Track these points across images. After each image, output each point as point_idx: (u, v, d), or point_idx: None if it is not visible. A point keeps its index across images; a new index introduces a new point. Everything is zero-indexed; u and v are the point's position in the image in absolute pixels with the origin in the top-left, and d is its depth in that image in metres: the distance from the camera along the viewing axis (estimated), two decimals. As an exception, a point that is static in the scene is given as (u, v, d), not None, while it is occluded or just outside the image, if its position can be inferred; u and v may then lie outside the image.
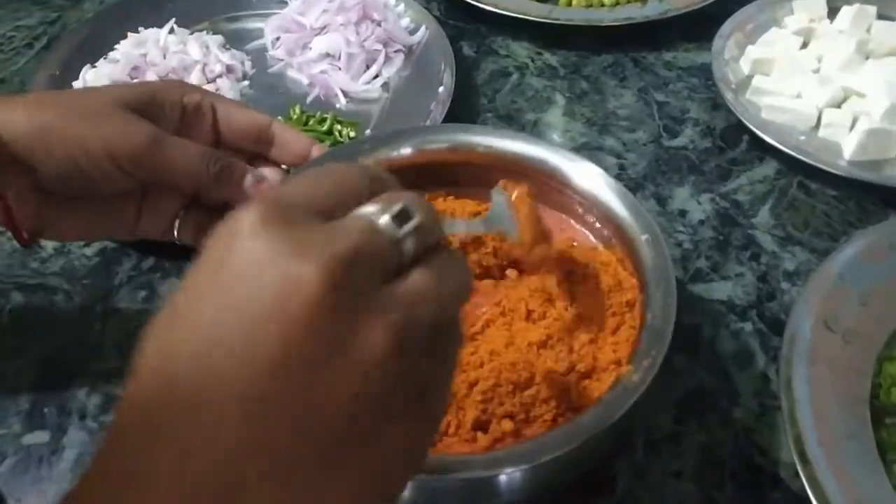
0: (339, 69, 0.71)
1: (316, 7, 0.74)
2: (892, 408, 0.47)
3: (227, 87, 0.69)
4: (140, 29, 0.72)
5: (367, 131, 0.66)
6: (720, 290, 0.56)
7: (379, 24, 0.73)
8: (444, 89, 0.67)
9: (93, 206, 0.47)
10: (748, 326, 0.54)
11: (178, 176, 0.46)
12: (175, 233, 0.50)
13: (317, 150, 0.51)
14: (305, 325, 0.22)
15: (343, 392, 0.23)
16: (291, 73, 0.73)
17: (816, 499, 0.41)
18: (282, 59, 0.73)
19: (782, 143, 0.62)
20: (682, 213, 0.61)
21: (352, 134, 0.65)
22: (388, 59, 0.72)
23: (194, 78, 0.69)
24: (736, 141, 0.67)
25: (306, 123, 0.66)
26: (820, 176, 0.62)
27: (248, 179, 0.47)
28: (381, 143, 0.53)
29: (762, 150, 0.65)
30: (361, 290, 0.23)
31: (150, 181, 0.46)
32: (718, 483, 0.46)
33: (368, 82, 0.71)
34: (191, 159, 0.45)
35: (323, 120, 0.66)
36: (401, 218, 0.25)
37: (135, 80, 0.65)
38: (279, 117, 0.67)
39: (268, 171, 0.50)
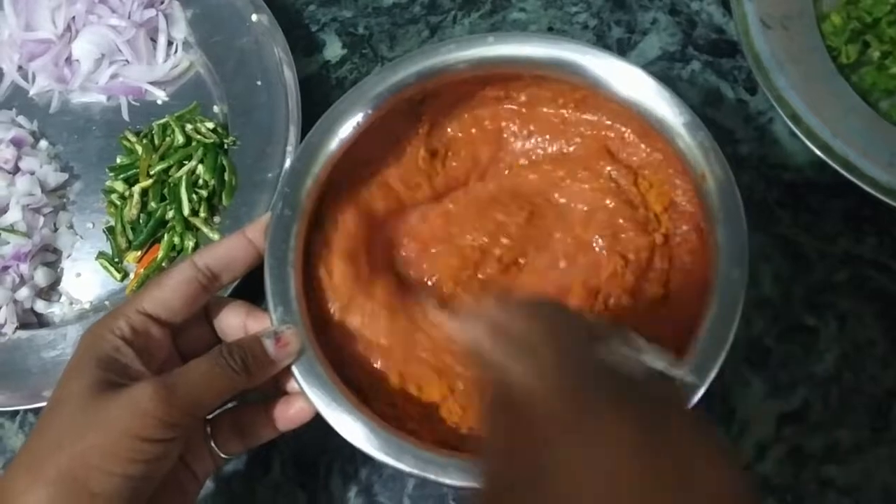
0: (128, 62, 0.59)
1: (39, 10, 0.59)
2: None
3: (35, 165, 0.56)
4: None
5: (216, 108, 0.57)
6: (649, 49, 0.56)
7: (127, -15, 0.59)
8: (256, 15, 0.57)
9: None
10: (696, 66, 0.55)
11: (214, 403, 0.37)
12: (221, 454, 0.41)
13: (254, 232, 0.41)
14: None
15: None
16: (81, 99, 0.59)
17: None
18: (50, 89, 0.59)
19: None
20: None
21: (209, 125, 0.55)
22: (167, 17, 0.59)
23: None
24: None
25: (157, 148, 0.55)
26: None
27: (269, 345, 0.38)
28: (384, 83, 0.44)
29: None
30: None
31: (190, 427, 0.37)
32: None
33: (168, 56, 0.59)
34: (211, 374, 0.36)
35: (164, 129, 0.56)
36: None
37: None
38: (119, 157, 0.56)
39: (263, 322, 0.40)
